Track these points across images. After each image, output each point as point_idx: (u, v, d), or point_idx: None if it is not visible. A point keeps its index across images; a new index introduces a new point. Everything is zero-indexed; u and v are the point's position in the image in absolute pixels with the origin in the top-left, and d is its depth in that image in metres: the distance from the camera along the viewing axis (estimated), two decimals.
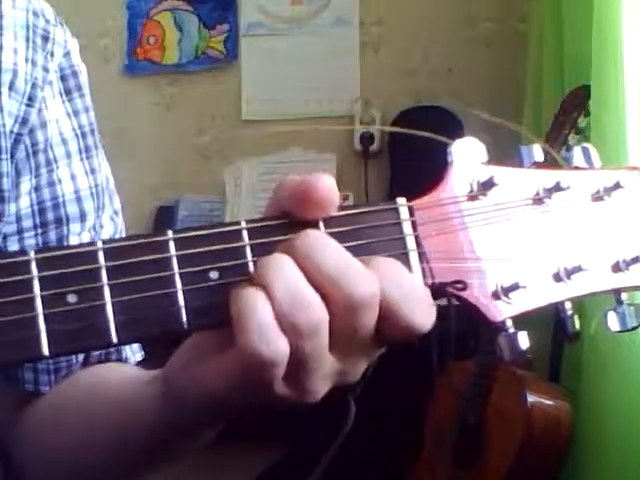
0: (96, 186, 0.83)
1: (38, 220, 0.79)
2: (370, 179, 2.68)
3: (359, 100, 2.74)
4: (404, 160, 2.53)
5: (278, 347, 0.51)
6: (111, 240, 0.55)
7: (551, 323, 1.98)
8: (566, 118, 1.81)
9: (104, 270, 0.53)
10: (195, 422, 0.62)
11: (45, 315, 0.52)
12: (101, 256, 0.53)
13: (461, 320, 0.58)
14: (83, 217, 0.82)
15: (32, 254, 0.53)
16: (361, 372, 0.56)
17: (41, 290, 0.52)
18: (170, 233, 0.54)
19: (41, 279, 0.52)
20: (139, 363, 0.86)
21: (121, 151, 2.70)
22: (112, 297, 0.53)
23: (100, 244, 0.54)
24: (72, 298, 0.53)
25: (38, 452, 0.79)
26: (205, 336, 0.57)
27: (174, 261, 0.54)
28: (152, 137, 2.85)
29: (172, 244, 0.54)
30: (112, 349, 0.83)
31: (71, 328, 0.53)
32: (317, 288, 0.52)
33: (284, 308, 0.52)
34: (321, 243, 0.53)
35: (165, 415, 0.63)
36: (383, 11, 2.76)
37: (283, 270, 0.52)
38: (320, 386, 0.55)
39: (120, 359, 0.84)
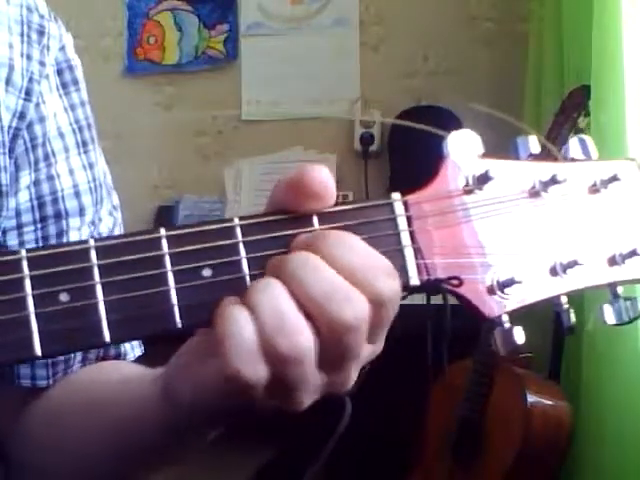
0: (94, 180, 0.83)
1: (37, 215, 0.79)
2: (370, 179, 2.68)
3: (359, 100, 2.75)
4: (404, 160, 2.53)
5: (257, 371, 0.51)
6: (103, 238, 0.55)
7: (551, 323, 1.98)
8: (566, 118, 1.81)
9: (96, 268, 0.53)
10: (193, 422, 0.62)
11: (37, 314, 0.52)
12: (93, 254, 0.53)
13: (460, 318, 0.58)
14: (82, 211, 0.81)
15: (23, 253, 0.52)
16: (353, 380, 0.55)
17: (32, 289, 0.52)
18: (162, 230, 0.54)
19: (32, 278, 0.52)
20: (139, 358, 0.86)
21: (121, 151, 2.70)
22: (104, 296, 0.52)
23: (92, 242, 0.53)
24: (64, 297, 0.52)
25: (38, 450, 0.78)
26: (204, 338, 0.56)
27: (167, 259, 0.53)
28: (152, 137, 2.84)
29: (165, 241, 0.53)
30: None
31: (63, 327, 0.52)
32: (305, 311, 0.51)
33: (268, 333, 0.51)
34: (307, 264, 0.52)
35: (163, 414, 0.62)
36: (383, 11, 2.75)
37: (270, 293, 0.51)
38: (306, 399, 0.54)
39: (119, 354, 0.84)
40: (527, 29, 2.47)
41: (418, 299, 0.57)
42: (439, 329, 0.58)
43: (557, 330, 2.01)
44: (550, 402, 1.87)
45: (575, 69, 2.01)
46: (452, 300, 0.58)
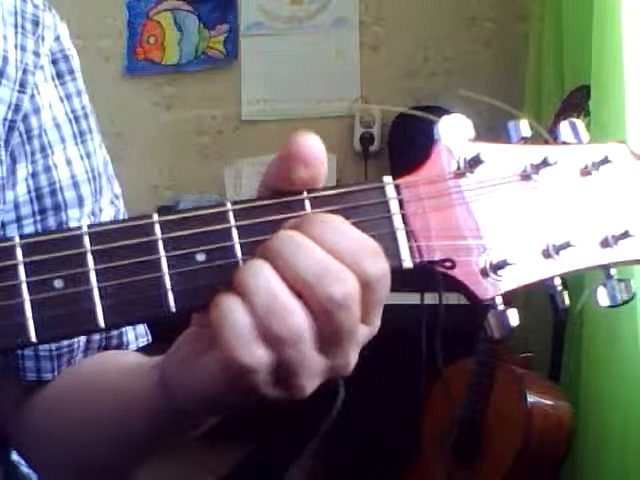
0: (92, 170, 0.83)
1: (36, 207, 0.79)
2: (370, 179, 2.67)
3: (359, 100, 2.75)
4: (404, 160, 2.52)
5: (256, 355, 0.51)
6: (97, 224, 0.55)
7: (551, 323, 1.98)
8: (566, 118, 1.80)
9: (90, 254, 0.53)
10: (189, 413, 0.62)
11: (32, 301, 0.52)
12: (87, 240, 0.53)
13: (459, 318, 0.57)
14: (81, 202, 0.81)
15: (17, 239, 0.53)
16: (353, 364, 0.55)
17: (27, 276, 0.52)
18: (155, 216, 0.54)
19: (26, 265, 0.52)
20: (144, 347, 0.86)
21: (121, 151, 2.70)
22: (98, 282, 0.53)
23: (85, 228, 0.53)
24: (58, 283, 0.52)
25: (41, 442, 0.78)
26: (199, 331, 0.56)
27: (160, 244, 0.53)
28: (152, 137, 2.85)
29: (158, 227, 0.54)
30: (113, 334, 0.83)
31: (58, 314, 0.52)
32: (296, 291, 0.51)
33: (261, 316, 0.50)
34: (295, 244, 0.51)
35: (160, 405, 0.63)
36: (383, 11, 2.76)
37: (260, 276, 0.51)
38: (308, 385, 0.54)
39: (121, 344, 0.84)
40: (527, 29, 2.47)
41: (412, 299, 0.56)
42: (434, 328, 0.57)
43: (557, 330, 2.01)
44: (550, 402, 1.87)
45: (575, 69, 2.01)
46: (447, 300, 0.58)
